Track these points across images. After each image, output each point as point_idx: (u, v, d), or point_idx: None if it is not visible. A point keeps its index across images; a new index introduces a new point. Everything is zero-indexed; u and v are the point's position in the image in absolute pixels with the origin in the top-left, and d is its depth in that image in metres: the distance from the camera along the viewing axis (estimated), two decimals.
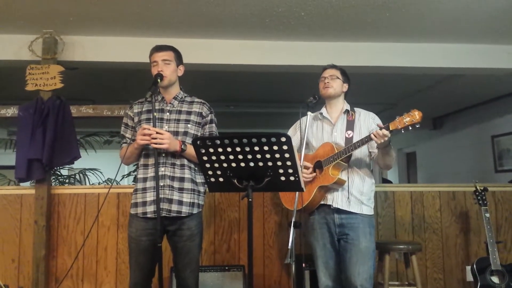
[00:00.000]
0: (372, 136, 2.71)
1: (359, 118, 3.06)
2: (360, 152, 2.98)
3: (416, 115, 2.61)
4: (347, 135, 2.99)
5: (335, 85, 3.07)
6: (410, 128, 2.65)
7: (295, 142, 3.01)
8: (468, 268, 4.10)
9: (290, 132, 3.27)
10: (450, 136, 8.74)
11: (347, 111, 3.09)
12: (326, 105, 3.18)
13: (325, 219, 2.99)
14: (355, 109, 3.12)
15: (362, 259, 2.86)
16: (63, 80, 4.06)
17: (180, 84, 3.02)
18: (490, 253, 3.68)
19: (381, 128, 2.68)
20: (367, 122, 3.03)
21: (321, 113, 3.16)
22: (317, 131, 3.15)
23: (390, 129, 2.68)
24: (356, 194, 2.94)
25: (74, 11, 3.79)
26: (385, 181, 8.49)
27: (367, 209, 2.96)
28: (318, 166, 3.00)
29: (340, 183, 2.92)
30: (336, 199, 2.95)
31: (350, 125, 3.02)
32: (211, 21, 4.01)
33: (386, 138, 2.68)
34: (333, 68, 3.13)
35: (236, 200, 4.12)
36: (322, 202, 3.00)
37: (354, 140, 2.89)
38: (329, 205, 2.96)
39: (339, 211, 2.93)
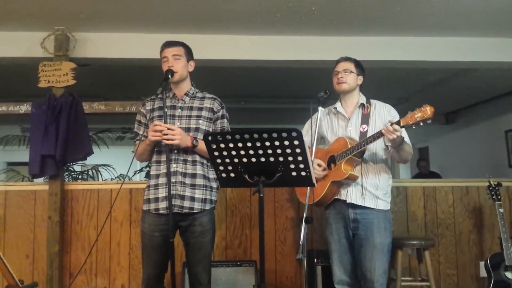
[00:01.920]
0: (384, 131, 2.68)
1: (374, 111, 3.01)
2: (376, 146, 2.94)
3: (428, 110, 2.56)
4: (361, 129, 2.96)
5: (349, 79, 3.01)
6: (422, 124, 2.60)
7: (309, 138, 3.02)
8: (482, 263, 4.07)
9: (305, 129, 3.25)
10: (463, 131, 8.67)
11: (362, 105, 3.04)
12: (341, 99, 3.13)
13: (340, 213, 2.98)
14: (371, 101, 3.07)
15: (377, 254, 2.84)
16: (75, 76, 4.08)
17: (191, 80, 3.02)
18: (504, 248, 3.64)
19: (392, 124, 2.65)
20: (382, 115, 2.98)
21: (336, 108, 3.12)
22: (332, 126, 3.13)
23: (401, 124, 2.64)
24: (370, 189, 2.91)
25: (85, 8, 3.81)
26: (433, 174, 8.13)
27: (383, 204, 2.93)
28: (332, 161, 2.99)
29: (352, 178, 2.89)
30: (350, 194, 2.93)
31: (365, 119, 2.99)
32: (221, 17, 4.01)
33: (398, 133, 2.64)
34: (346, 61, 3.06)
35: (248, 196, 4.12)
36: (336, 197, 2.99)
37: (369, 134, 2.86)
38: (344, 200, 2.95)
39: (354, 206, 2.92)
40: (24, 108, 4.10)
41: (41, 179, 4.26)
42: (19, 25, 4.11)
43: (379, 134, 2.72)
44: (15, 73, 5.26)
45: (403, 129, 2.75)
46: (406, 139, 2.89)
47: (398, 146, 2.77)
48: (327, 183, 2.95)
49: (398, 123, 2.65)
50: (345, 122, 3.07)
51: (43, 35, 4.14)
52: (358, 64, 3.08)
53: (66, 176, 5.55)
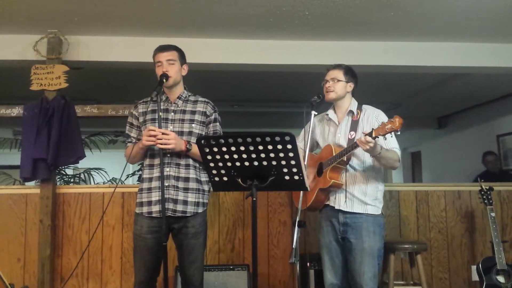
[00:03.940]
0: (358, 142, 2.71)
1: (363, 117, 3.02)
2: (363, 154, 2.95)
3: (397, 122, 2.58)
4: (349, 136, 2.98)
5: (337, 88, 3.02)
6: (392, 135, 2.64)
7: (303, 143, 3.04)
8: (474, 267, 4.09)
9: (301, 135, 3.25)
10: (455, 135, 8.71)
11: (351, 112, 3.06)
12: (333, 106, 3.16)
13: (331, 217, 3.00)
14: (363, 107, 3.08)
15: (366, 258, 2.85)
16: (67, 80, 4.07)
17: (184, 83, 3.02)
18: (496, 252, 3.66)
19: (365, 135, 2.67)
20: (371, 121, 2.99)
21: (328, 114, 3.15)
22: (323, 133, 3.16)
23: (373, 135, 2.65)
24: (358, 196, 2.93)
25: (78, 11, 3.80)
26: (505, 174, 6.89)
27: (373, 209, 2.94)
28: (320, 168, 3.01)
29: (336, 186, 2.92)
30: (338, 201, 2.96)
31: (353, 126, 3.00)
32: (215, 20, 4.01)
33: (371, 144, 2.65)
34: (335, 68, 3.07)
35: (241, 199, 4.11)
36: (326, 203, 3.02)
37: None
38: (333, 206, 2.97)
39: (344, 211, 2.94)
40: (16, 111, 4.07)
41: (32, 183, 4.23)
42: (12, 27, 4.09)
43: (356, 145, 2.75)
44: (7, 76, 5.23)
45: (392, 136, 2.76)
46: (392, 144, 2.90)
47: (376, 155, 2.79)
48: (315, 190, 2.98)
49: (370, 134, 2.67)
50: (335, 128, 3.09)
51: (35, 38, 4.11)
52: (348, 71, 3.07)
53: (58, 179, 5.51)
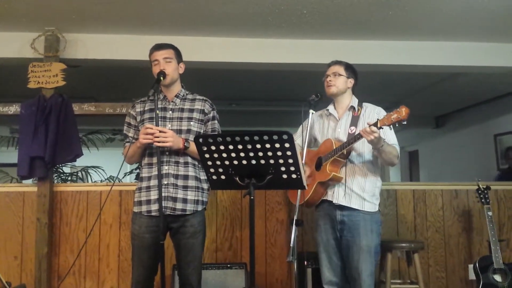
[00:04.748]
0: (361, 132, 2.71)
1: (364, 113, 3.03)
2: (363, 148, 2.97)
3: (403, 111, 2.58)
4: (350, 131, 2.98)
5: (338, 83, 3.05)
6: (397, 124, 2.64)
7: (301, 141, 3.04)
8: (471, 266, 4.09)
9: (298, 132, 3.26)
10: (453, 135, 8.73)
11: (352, 107, 3.07)
12: (334, 102, 3.17)
13: (328, 215, 3.00)
14: (364, 104, 3.09)
15: (363, 256, 2.86)
16: (65, 77, 4.06)
17: (182, 81, 3.02)
18: (493, 251, 3.67)
19: (370, 125, 2.67)
20: (372, 117, 2.99)
21: (328, 110, 3.16)
22: (323, 128, 3.16)
23: (379, 125, 2.66)
24: (357, 190, 2.93)
25: (76, 9, 3.79)
26: None
27: (370, 206, 2.95)
28: (320, 162, 3.01)
29: (336, 180, 2.92)
30: (336, 195, 2.95)
31: (354, 121, 3.01)
32: (213, 19, 4.00)
33: (376, 134, 2.66)
34: (336, 64, 3.10)
35: (238, 198, 4.11)
36: (324, 198, 3.01)
37: None
38: (331, 201, 2.97)
39: (341, 207, 2.94)
40: (13, 109, 4.06)
41: (30, 181, 4.22)
42: (9, 25, 4.07)
43: (359, 136, 2.75)
44: (4, 74, 5.22)
45: (391, 131, 2.77)
46: (392, 140, 2.92)
47: (378, 147, 2.79)
48: (314, 184, 2.98)
49: (375, 124, 2.67)
50: (335, 123, 3.10)
51: (33, 36, 4.10)
52: (348, 67, 3.10)
53: (55, 177, 5.50)
